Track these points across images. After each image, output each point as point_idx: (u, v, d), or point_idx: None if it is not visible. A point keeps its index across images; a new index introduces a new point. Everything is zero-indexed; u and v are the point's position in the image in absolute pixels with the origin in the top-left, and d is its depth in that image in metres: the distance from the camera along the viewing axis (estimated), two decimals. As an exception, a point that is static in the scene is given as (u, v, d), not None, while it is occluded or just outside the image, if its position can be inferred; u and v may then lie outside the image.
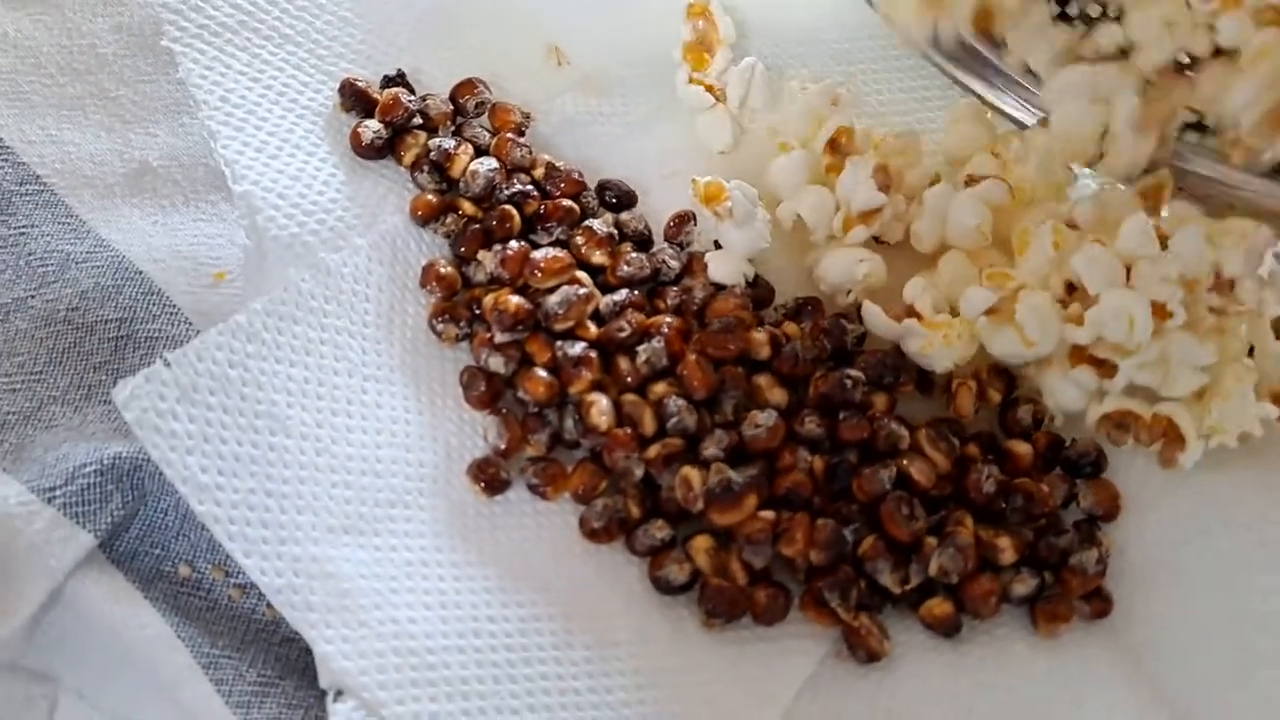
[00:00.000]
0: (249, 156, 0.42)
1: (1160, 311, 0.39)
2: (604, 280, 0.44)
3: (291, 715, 0.38)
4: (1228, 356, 0.41)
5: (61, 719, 0.40)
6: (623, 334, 0.42)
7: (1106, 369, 0.41)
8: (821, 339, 0.43)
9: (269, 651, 0.40)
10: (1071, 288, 0.41)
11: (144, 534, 0.41)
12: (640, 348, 0.42)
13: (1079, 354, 0.42)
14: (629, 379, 0.42)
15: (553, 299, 0.42)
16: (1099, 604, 0.40)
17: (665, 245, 0.46)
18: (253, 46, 0.45)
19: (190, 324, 0.45)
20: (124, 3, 0.52)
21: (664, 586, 0.40)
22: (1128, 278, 0.40)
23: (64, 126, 0.49)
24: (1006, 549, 0.40)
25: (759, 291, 0.45)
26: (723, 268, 0.45)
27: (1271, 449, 0.41)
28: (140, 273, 0.45)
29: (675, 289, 0.45)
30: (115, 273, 0.45)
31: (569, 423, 0.41)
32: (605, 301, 0.43)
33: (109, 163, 0.49)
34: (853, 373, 0.42)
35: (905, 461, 0.41)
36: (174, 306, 0.45)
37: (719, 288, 0.44)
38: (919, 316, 0.42)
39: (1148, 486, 0.42)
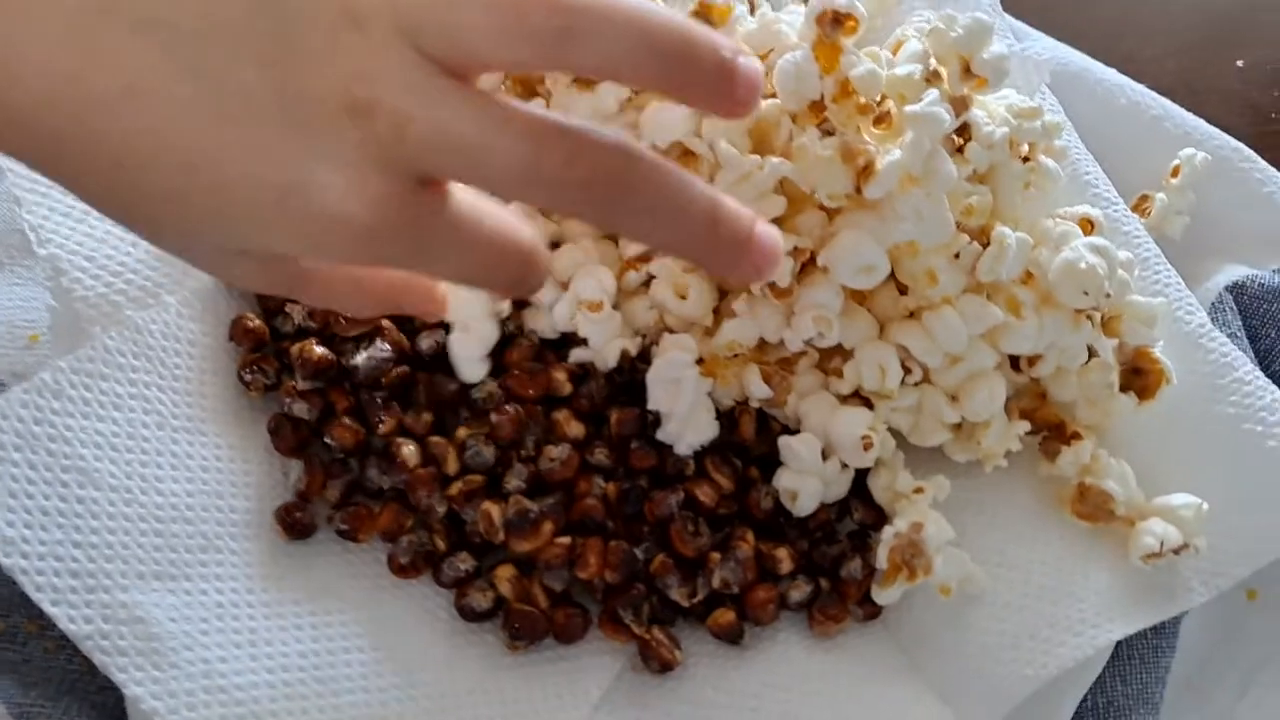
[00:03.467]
0: (55, 220, 0.44)
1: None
2: (409, 326, 0.47)
3: (106, 760, 0.39)
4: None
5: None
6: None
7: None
8: (616, 378, 0.46)
9: (85, 699, 0.41)
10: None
11: (-46, 592, 0.41)
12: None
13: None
14: (429, 419, 0.45)
15: (361, 362, 0.44)
16: (870, 607, 0.44)
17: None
18: (60, 117, 0.47)
19: (4, 385, 0.46)
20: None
21: (469, 614, 0.43)
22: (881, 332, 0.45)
23: (-125, 198, 0.50)
24: (784, 559, 0.44)
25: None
26: (533, 320, 0.47)
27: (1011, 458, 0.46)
28: (-48, 338, 0.46)
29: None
30: (-73, 338, 0.46)
31: (372, 472, 0.44)
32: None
33: (-81, 231, 0.50)
34: (648, 409, 0.45)
35: (691, 485, 0.44)
36: (-14, 370, 0.46)
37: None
38: (701, 362, 0.46)
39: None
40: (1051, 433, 0.46)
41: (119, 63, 0.25)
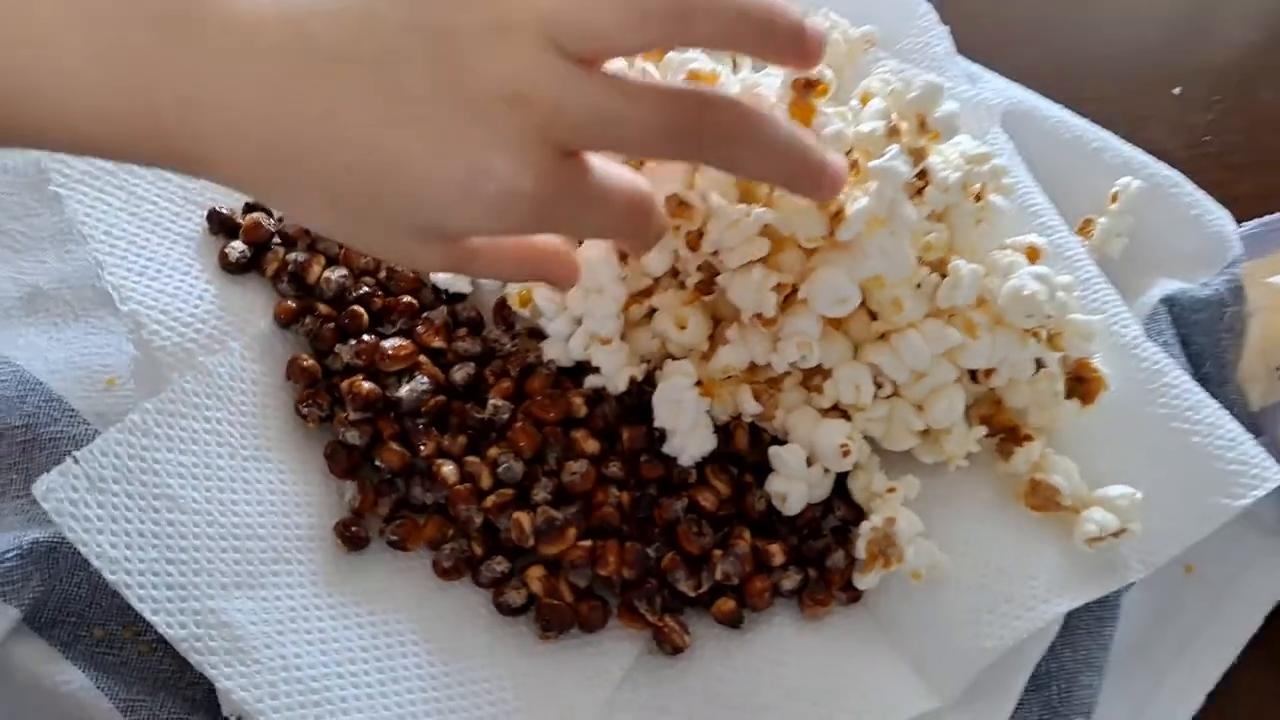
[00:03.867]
0: (132, 280, 0.50)
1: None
2: (444, 360, 0.54)
3: (200, 743, 0.46)
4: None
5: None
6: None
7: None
8: (625, 400, 0.53)
9: (178, 693, 0.47)
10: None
11: (61, 605, 0.48)
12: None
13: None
14: (464, 441, 0.51)
15: (404, 394, 0.51)
16: (852, 592, 0.51)
17: (494, 327, 0.55)
18: (129, 185, 0.53)
19: (88, 424, 0.52)
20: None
21: (506, 609, 0.49)
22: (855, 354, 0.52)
23: (-38, 260, 0.56)
24: (776, 553, 0.50)
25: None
26: (550, 351, 0.54)
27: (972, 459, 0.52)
28: (40, 383, 0.53)
29: (511, 361, 0.54)
30: (18, 385, 0.52)
31: (417, 489, 0.50)
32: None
33: (4, 289, 0.56)
34: (655, 426, 0.52)
35: (694, 491, 0.51)
36: (72, 410, 0.52)
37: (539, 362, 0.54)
38: (700, 383, 0.52)
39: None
40: (1007, 435, 0.53)
41: (320, 92, 0.32)
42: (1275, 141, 0.69)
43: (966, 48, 0.65)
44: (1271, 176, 0.67)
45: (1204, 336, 0.58)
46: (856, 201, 0.48)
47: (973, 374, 0.53)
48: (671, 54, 0.54)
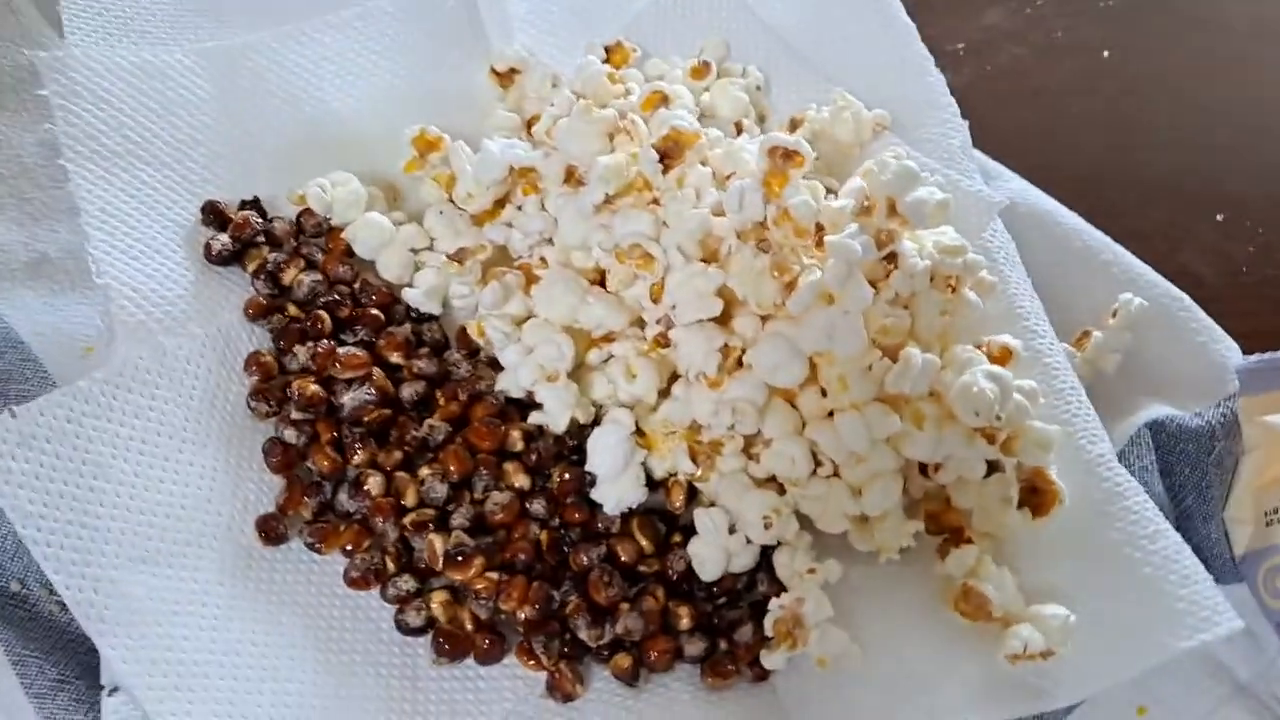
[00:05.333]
0: (114, 256, 0.52)
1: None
2: (400, 375, 0.54)
3: (78, 708, 0.46)
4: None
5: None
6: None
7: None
8: (566, 439, 0.53)
9: (74, 657, 0.48)
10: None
11: (-17, 555, 0.49)
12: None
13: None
14: (399, 457, 0.52)
15: (347, 400, 0.52)
16: (758, 669, 0.49)
17: (455, 351, 0.56)
18: (134, 168, 0.55)
19: (55, 387, 0.54)
20: (50, 121, 0.63)
21: (404, 628, 0.49)
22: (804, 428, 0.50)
23: (-20, 220, 0.60)
24: (684, 617, 0.49)
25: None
26: (501, 381, 0.54)
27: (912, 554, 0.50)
28: (22, 343, 0.55)
29: (463, 385, 0.54)
30: (1, 341, 0.55)
31: (342, 496, 0.51)
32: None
33: (14, 251, 0.59)
34: (589, 470, 0.52)
35: (614, 541, 0.50)
36: (45, 372, 0.54)
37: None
38: (642, 434, 0.52)
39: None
40: (951, 536, 0.51)
41: None
42: (1313, 282, 0.65)
43: (995, 147, 0.64)
44: (1301, 316, 0.63)
45: (1189, 468, 0.55)
46: (810, 274, 0.48)
47: (923, 468, 0.51)
48: (661, 109, 0.54)
